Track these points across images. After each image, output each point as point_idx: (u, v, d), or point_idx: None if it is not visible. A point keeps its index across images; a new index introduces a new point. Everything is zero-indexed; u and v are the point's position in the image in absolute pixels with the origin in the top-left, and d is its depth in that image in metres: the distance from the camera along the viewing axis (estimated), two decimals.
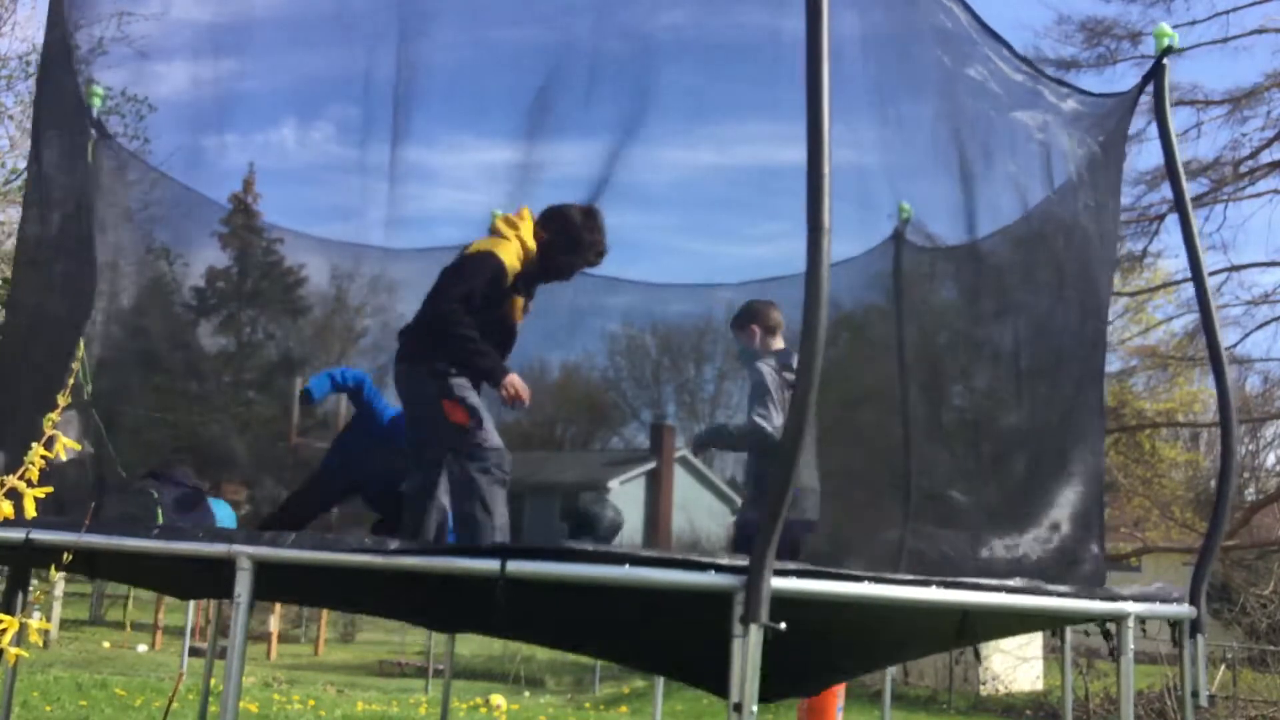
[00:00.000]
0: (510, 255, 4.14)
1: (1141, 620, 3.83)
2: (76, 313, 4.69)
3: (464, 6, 4.91)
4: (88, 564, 3.59)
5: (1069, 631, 5.62)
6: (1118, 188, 4.96)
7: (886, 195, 5.15)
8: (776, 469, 2.78)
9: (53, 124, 4.71)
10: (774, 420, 4.50)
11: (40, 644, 14.87)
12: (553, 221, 4.28)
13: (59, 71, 4.58)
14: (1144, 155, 14.36)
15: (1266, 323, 15.01)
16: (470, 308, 4.03)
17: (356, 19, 4.89)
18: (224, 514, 5.13)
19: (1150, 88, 4.63)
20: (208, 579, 3.70)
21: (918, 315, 5.76)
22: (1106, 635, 3.87)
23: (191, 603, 14.44)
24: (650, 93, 4.54)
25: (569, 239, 4.27)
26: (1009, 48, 4.23)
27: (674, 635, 3.36)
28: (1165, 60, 4.55)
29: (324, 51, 5.15)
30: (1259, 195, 14.55)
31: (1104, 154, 4.69)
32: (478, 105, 5.25)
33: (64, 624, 19.07)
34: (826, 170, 2.68)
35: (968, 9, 3.97)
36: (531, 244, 4.22)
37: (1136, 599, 3.83)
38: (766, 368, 4.63)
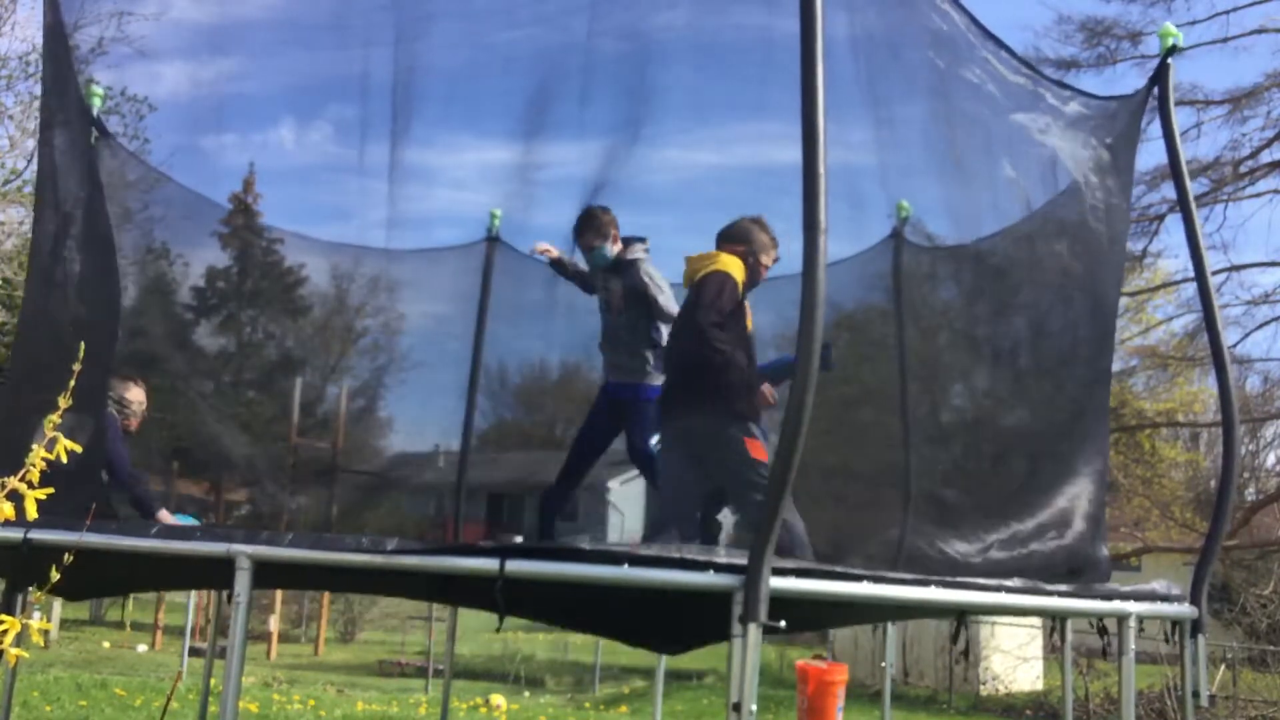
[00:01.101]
0: (736, 270, 4.32)
1: (1141, 620, 3.83)
2: (96, 314, 4.70)
3: (462, 8, 4.91)
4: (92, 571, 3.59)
5: (1069, 631, 5.62)
6: (1127, 190, 4.95)
7: (883, 195, 5.15)
8: (774, 470, 2.78)
9: (59, 124, 4.71)
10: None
11: (40, 644, 14.87)
12: (741, 237, 4.48)
13: (61, 70, 4.58)
14: (1143, 155, 14.37)
15: (1266, 323, 15.02)
16: (727, 329, 4.18)
17: (355, 20, 4.89)
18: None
19: (1155, 88, 4.64)
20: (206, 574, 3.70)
21: (917, 315, 5.76)
22: (1102, 632, 3.88)
23: (191, 602, 14.48)
24: (648, 93, 4.55)
25: (761, 246, 4.49)
26: (1008, 50, 4.23)
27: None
28: (1170, 60, 4.56)
29: (323, 53, 5.15)
30: (1259, 195, 14.57)
31: (1111, 156, 4.68)
32: (476, 106, 5.26)
33: (64, 624, 19.07)
34: (822, 170, 2.68)
35: (964, 11, 3.97)
36: (741, 261, 4.39)
37: (1137, 599, 3.84)
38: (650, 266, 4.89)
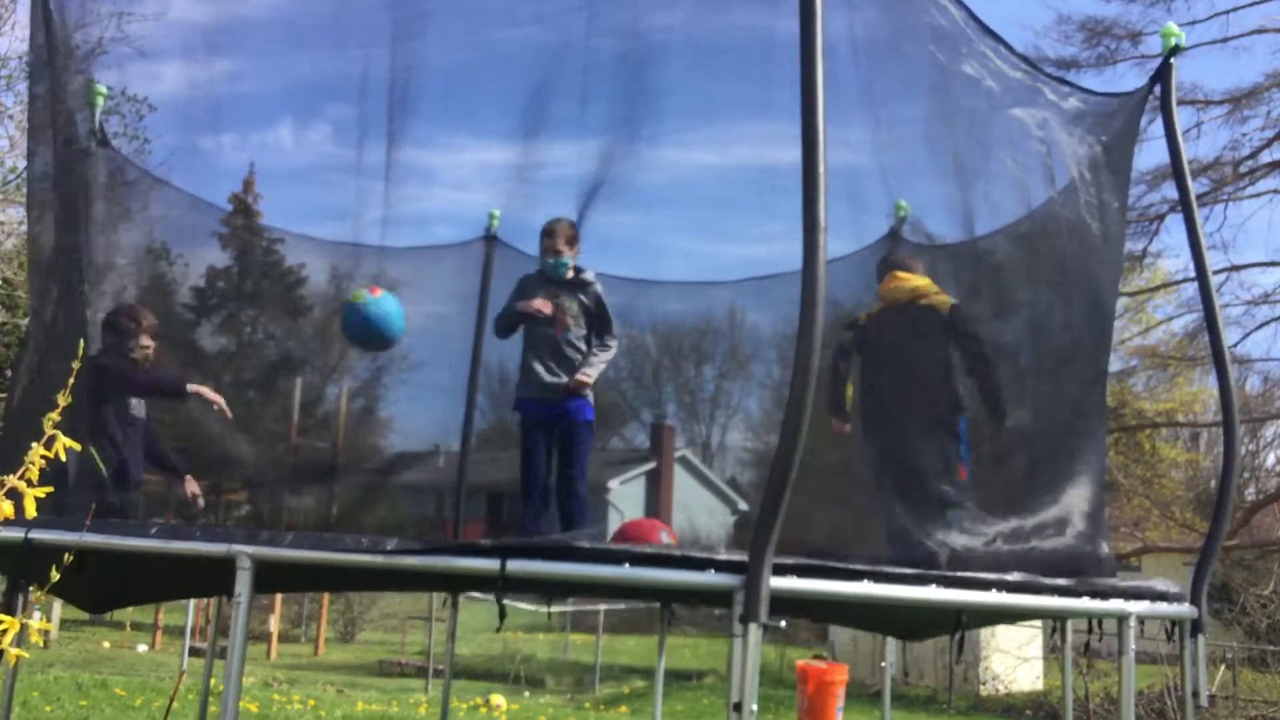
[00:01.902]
0: None
1: (1142, 621, 3.83)
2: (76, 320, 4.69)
3: (461, 7, 4.91)
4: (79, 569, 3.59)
5: (1069, 631, 5.61)
6: (1123, 188, 4.94)
7: (883, 194, 5.16)
8: (775, 469, 2.78)
9: (50, 126, 4.70)
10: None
11: (40, 644, 14.86)
12: (916, 268, 4.94)
13: (54, 72, 4.57)
14: (1144, 155, 14.35)
15: (1266, 323, 14.97)
16: None
17: (353, 20, 4.89)
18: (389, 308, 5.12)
19: (1156, 88, 4.64)
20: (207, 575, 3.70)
21: None
22: (1091, 629, 3.88)
23: (191, 602, 14.46)
24: (647, 93, 4.55)
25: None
26: (1006, 45, 4.23)
27: None
28: (1172, 60, 4.56)
29: (322, 53, 5.15)
30: (1259, 195, 14.53)
31: (1108, 154, 4.68)
32: (475, 105, 5.26)
33: (64, 624, 19.07)
34: (821, 169, 2.68)
35: (963, 7, 3.97)
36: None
37: (1136, 597, 3.83)
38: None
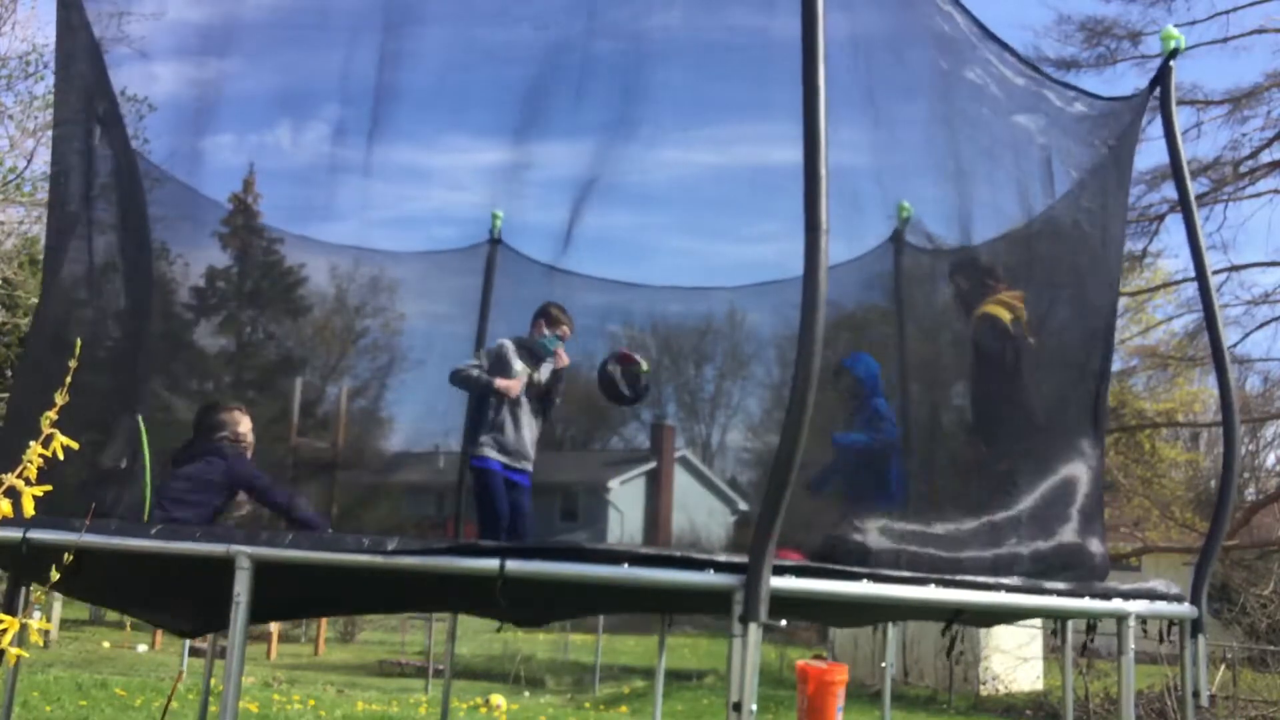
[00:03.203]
0: None
1: (1142, 620, 3.83)
2: (127, 310, 4.73)
3: (455, 6, 4.91)
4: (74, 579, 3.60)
5: (1069, 631, 5.61)
6: (1124, 192, 4.94)
7: (883, 197, 5.15)
8: (775, 469, 2.78)
9: (80, 119, 4.70)
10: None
11: (40, 644, 14.86)
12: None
13: (81, 65, 4.58)
14: (1144, 155, 14.34)
15: (1266, 323, 14.98)
16: None
17: (346, 20, 4.89)
18: None
19: (1156, 90, 4.65)
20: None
21: (917, 315, 5.76)
22: (1090, 628, 3.88)
23: None
24: (644, 92, 4.55)
25: None
26: (1012, 51, 4.24)
27: None
28: (1172, 63, 4.57)
29: (317, 53, 5.15)
30: (1259, 195, 14.54)
31: (1113, 156, 4.69)
32: (471, 106, 5.26)
33: (64, 624, 19.06)
34: (823, 171, 2.68)
35: (966, 13, 3.97)
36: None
37: (1136, 597, 3.83)
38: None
